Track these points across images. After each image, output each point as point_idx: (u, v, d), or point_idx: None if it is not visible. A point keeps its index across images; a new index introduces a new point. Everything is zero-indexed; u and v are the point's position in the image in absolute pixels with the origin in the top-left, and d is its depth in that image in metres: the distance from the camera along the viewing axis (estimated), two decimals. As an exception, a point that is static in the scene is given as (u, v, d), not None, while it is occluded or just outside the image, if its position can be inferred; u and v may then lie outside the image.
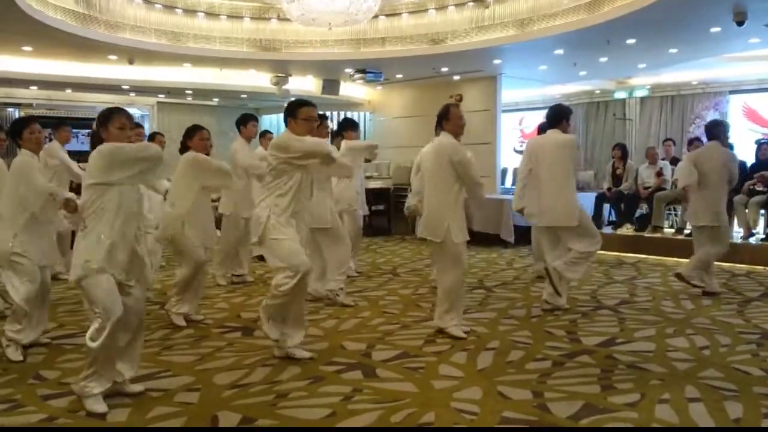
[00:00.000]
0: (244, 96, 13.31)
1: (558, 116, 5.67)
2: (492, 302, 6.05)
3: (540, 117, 16.14)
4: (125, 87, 12.20)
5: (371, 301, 6.06)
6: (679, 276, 6.37)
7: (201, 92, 12.92)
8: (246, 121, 7.14)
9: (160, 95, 13.67)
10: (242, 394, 3.59)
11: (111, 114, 3.44)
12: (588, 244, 5.42)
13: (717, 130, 6.41)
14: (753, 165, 8.73)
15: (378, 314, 5.53)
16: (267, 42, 10.73)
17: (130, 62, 10.79)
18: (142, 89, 12.66)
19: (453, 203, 4.71)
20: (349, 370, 4.01)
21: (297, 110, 4.23)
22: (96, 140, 3.48)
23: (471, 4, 9.93)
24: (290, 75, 12.09)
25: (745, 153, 9.53)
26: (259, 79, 12.20)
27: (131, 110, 14.19)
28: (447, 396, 3.54)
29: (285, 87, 12.19)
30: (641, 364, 4.09)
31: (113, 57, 10.52)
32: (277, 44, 10.75)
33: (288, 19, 9.63)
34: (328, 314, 5.53)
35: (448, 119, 4.83)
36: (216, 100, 14.05)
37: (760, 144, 9.07)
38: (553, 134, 5.62)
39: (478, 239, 9.24)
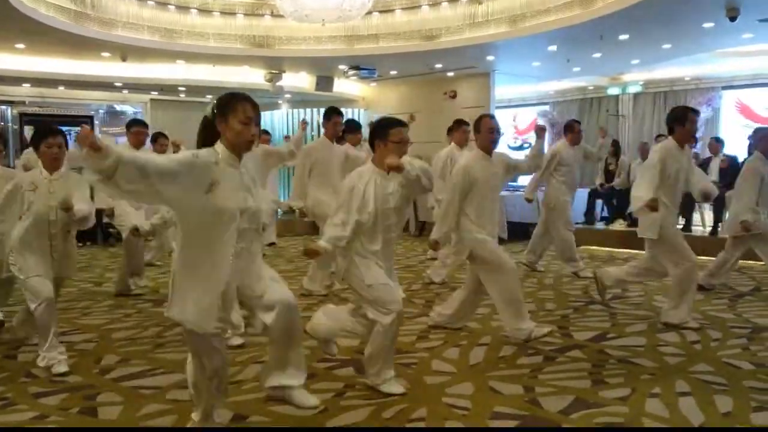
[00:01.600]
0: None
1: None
2: (485, 298, 6.05)
3: (533, 114, 16.25)
4: (118, 84, 12.18)
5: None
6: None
7: (194, 89, 12.90)
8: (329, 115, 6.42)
9: (153, 92, 13.65)
10: (234, 391, 3.58)
11: (234, 101, 2.72)
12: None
13: None
14: (745, 160, 8.74)
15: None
16: (260, 38, 10.72)
17: (123, 59, 10.77)
18: (135, 86, 12.64)
19: None
20: (341, 366, 4.02)
21: (387, 131, 3.56)
22: (207, 131, 2.79)
23: (464, 0, 9.94)
24: (284, 71, 12.09)
25: (738, 148, 9.58)
26: (253, 76, 12.19)
27: (123, 108, 14.29)
28: (439, 391, 3.55)
29: (279, 83, 12.18)
30: (632, 359, 4.12)
31: (106, 54, 10.50)
32: (270, 41, 10.75)
33: (281, 16, 9.63)
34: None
35: (478, 131, 4.61)
36: (209, 97, 14.01)
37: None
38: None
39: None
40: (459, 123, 7.24)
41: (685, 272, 4.82)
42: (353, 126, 6.78)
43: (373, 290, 3.45)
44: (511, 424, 3.14)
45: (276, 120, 14.95)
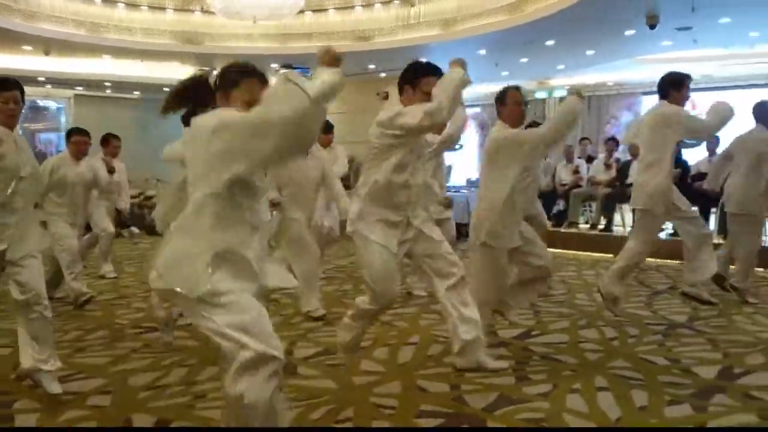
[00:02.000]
0: (167, 89, 12.89)
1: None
2: (414, 297, 6.13)
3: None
4: (41, 79, 11.75)
5: (294, 298, 6.03)
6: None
7: (121, 85, 12.56)
8: None
9: (77, 87, 13.21)
10: (158, 396, 3.52)
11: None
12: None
13: None
14: (663, 164, 9.14)
15: (301, 311, 5.51)
16: (190, 34, 10.53)
17: (46, 53, 10.40)
18: (59, 81, 12.21)
19: None
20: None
21: (418, 78, 3.56)
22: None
23: (397, 2, 10.03)
24: (215, 68, 11.80)
25: (657, 152, 9.96)
26: (183, 72, 11.88)
27: (46, 103, 13.76)
28: (367, 391, 3.57)
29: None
30: (554, 356, 4.24)
31: (28, 47, 10.11)
32: (200, 37, 10.57)
33: (212, 12, 9.48)
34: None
35: (504, 104, 4.29)
36: (137, 93, 13.67)
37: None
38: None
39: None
40: None
41: None
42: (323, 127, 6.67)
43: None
44: (436, 422, 3.19)
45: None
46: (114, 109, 13.16)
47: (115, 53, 10.70)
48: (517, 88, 4.36)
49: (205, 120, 2.19)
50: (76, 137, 5.84)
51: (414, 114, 3.36)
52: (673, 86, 4.83)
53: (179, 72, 11.87)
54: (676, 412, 3.26)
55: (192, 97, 2.44)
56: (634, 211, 5.83)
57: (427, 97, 3.36)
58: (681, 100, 4.82)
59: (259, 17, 8.57)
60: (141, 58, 11.12)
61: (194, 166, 2.25)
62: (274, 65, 11.65)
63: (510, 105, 4.26)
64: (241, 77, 2.35)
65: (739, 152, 5.84)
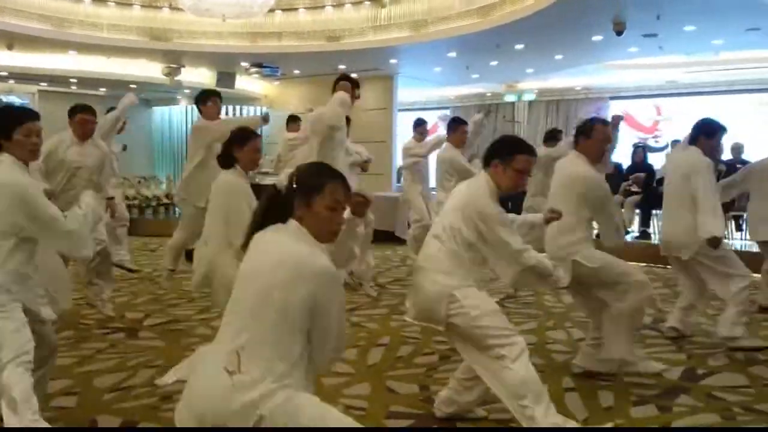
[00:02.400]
0: (134, 86, 12.79)
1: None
2: (385, 298, 6.13)
3: (435, 117, 16.56)
4: (4, 74, 11.49)
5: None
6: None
7: (87, 81, 12.32)
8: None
9: (42, 83, 12.94)
10: (124, 397, 3.47)
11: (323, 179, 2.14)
12: None
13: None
14: (629, 167, 9.31)
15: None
16: (158, 31, 10.39)
17: (9, 47, 10.16)
18: (22, 76, 11.95)
19: None
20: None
21: (513, 156, 2.99)
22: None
23: (367, 3, 10.03)
24: (183, 66, 11.77)
25: (623, 156, 10.16)
26: (150, 69, 11.79)
27: (9, 98, 13.44)
28: (336, 392, 3.56)
29: (177, 78, 11.84)
30: (523, 357, 4.27)
31: (-10, 41, 9.87)
32: (169, 34, 10.44)
33: (180, 9, 9.37)
34: (220, 313, 5.41)
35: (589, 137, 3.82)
36: (103, 89, 13.45)
37: (636, 147, 9.68)
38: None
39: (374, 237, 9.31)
40: (458, 122, 6.74)
41: None
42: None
43: None
44: (406, 423, 3.20)
45: (175, 115, 14.53)
46: (79, 105, 12.99)
47: (80, 49, 10.51)
48: (605, 123, 3.98)
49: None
50: (81, 116, 4.91)
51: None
52: (706, 134, 4.61)
53: (147, 69, 11.74)
54: (641, 413, 3.32)
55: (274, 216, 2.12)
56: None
57: (519, 175, 2.99)
58: (711, 150, 4.56)
59: (228, 15, 8.49)
60: (107, 54, 10.94)
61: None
62: (244, 64, 11.57)
63: (596, 140, 3.81)
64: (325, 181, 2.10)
65: (758, 181, 5.50)
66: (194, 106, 14.05)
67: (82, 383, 3.68)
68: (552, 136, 7.38)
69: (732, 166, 8.66)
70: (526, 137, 14.28)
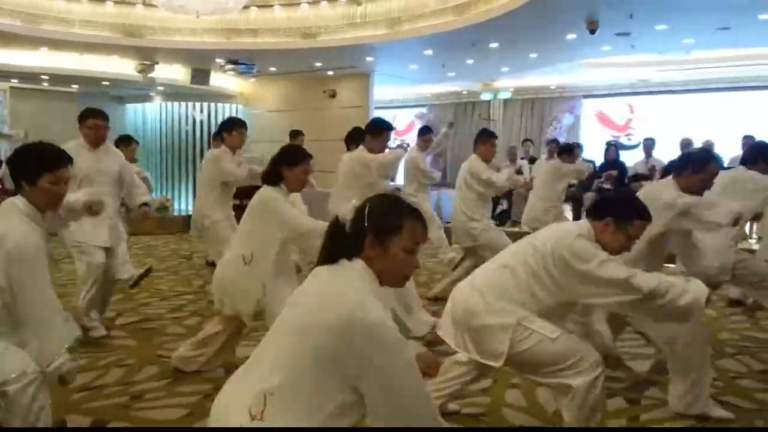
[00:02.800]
0: (107, 83, 12.66)
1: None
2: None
3: (412, 115, 16.60)
4: (-28, 70, 11.27)
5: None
6: None
7: (59, 78, 12.13)
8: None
9: (13, 80, 12.71)
10: (95, 396, 3.43)
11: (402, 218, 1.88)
12: None
13: None
14: (602, 165, 9.41)
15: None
16: (131, 27, 10.27)
17: (-22, 43, 9.98)
18: (-8, 73, 11.74)
19: None
20: (210, 368, 3.93)
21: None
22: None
23: (343, 0, 10.01)
24: (157, 63, 11.64)
25: (596, 154, 10.27)
26: (123, 66, 11.64)
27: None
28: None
29: (151, 75, 11.72)
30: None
31: (-41, 37, 9.69)
32: (142, 30, 10.32)
33: (154, 5, 9.27)
34: (192, 311, 5.39)
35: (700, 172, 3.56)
36: (75, 86, 13.26)
37: (608, 145, 9.78)
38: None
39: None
40: (488, 135, 6.17)
41: None
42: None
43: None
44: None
45: (149, 113, 14.38)
46: (51, 102, 12.74)
47: (52, 45, 10.35)
48: (717, 160, 3.82)
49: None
50: (93, 120, 4.55)
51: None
52: (764, 158, 4.53)
53: (120, 66, 11.60)
54: (610, 405, 3.35)
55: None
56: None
57: (630, 242, 2.81)
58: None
59: (202, 12, 8.41)
60: (80, 50, 10.78)
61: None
62: (219, 61, 11.47)
63: (706, 177, 3.58)
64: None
65: None
66: (169, 103, 13.99)
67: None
68: (569, 150, 7.47)
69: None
70: (502, 135, 14.46)
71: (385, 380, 1.68)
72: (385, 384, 1.69)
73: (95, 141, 4.55)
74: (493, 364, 2.77)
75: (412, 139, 16.47)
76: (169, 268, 7.46)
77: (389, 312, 1.76)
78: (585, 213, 2.92)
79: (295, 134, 8.75)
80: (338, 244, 1.85)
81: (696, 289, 2.61)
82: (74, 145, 4.33)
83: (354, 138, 5.98)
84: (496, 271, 2.89)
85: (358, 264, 1.82)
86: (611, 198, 3.06)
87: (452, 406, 3.26)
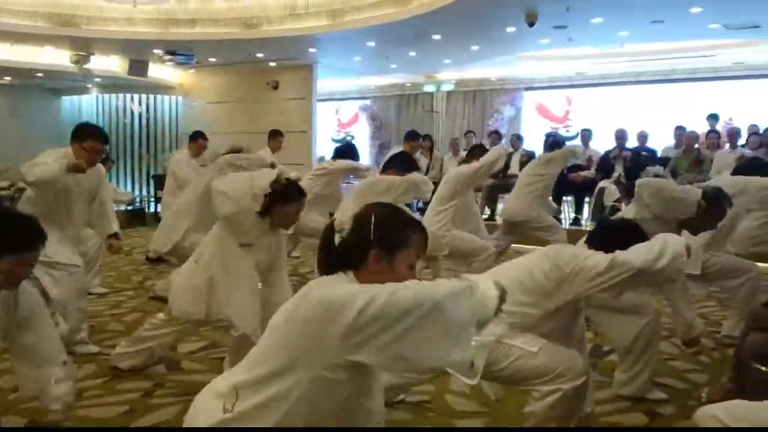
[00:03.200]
0: (41, 75, 12.24)
1: None
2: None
3: (355, 107, 16.59)
4: None
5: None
6: None
7: (-12, 69, 11.68)
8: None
9: (-60, 72, 12.18)
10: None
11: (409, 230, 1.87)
12: None
13: None
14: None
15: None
16: (66, 17, 9.93)
17: None
18: None
19: None
20: (151, 364, 3.86)
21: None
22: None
23: (285, -10, 9.92)
24: (92, 53, 11.29)
25: (536, 145, 10.48)
26: (58, 57, 11.26)
27: None
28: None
29: (86, 66, 11.37)
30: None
31: None
32: (77, 20, 9.99)
33: (88, -6, 9.00)
34: (132, 308, 5.29)
35: None
36: (7, 78, 12.78)
37: (548, 137, 9.98)
38: None
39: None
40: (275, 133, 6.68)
41: None
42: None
43: None
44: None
45: (85, 105, 13.97)
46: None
47: (-20, 35, 9.97)
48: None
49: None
50: (92, 144, 3.99)
51: None
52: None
53: (54, 57, 11.21)
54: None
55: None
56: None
57: None
58: None
59: (139, 0, 8.23)
60: (11, 41, 10.38)
61: None
62: (157, 51, 11.21)
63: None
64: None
65: None
66: (106, 95, 13.60)
67: (-16, 384, 3.52)
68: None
69: (638, 154, 9.11)
70: (444, 127, 14.57)
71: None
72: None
73: (88, 164, 3.90)
74: (468, 381, 2.70)
75: (356, 131, 16.56)
76: (108, 263, 7.27)
77: None
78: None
79: (275, 134, 8.32)
80: (335, 256, 1.76)
81: (672, 242, 2.53)
82: (60, 155, 3.85)
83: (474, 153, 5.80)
84: None
85: (348, 278, 1.74)
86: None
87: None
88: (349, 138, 16.42)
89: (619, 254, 2.50)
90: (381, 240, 1.73)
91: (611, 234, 2.77)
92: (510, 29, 9.19)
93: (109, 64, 11.93)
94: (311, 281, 1.78)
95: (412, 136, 6.71)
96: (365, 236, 1.73)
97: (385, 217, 1.79)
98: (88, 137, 4.01)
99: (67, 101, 14.06)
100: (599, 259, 2.53)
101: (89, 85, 13.53)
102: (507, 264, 2.90)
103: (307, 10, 9.87)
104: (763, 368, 2.14)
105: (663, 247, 2.48)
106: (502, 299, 1.59)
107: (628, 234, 2.69)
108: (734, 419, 1.87)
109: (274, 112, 12.22)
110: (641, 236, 2.66)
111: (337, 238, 1.76)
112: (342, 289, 1.64)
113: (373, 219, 1.75)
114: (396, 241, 1.75)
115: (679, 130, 9.24)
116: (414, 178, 4.67)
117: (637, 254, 2.48)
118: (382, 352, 1.56)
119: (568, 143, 8.18)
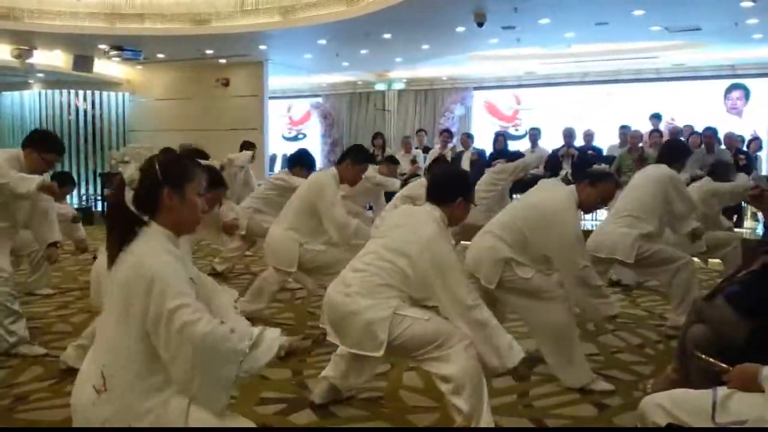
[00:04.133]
0: (-21, 70, 11.82)
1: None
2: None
3: (307, 105, 16.53)
4: None
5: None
6: None
7: None
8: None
9: None
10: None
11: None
12: None
13: None
14: (491, 154, 9.74)
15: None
16: (5, 9, 9.62)
17: None
18: None
19: None
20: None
21: None
22: None
23: (235, -14, 9.82)
24: (35, 48, 10.96)
25: (486, 144, 10.63)
26: (-2, 52, 10.91)
27: None
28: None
29: (29, 61, 11.03)
30: (393, 338, 4.40)
31: None
32: (18, 13, 9.69)
33: (30, -14, 8.74)
34: (79, 308, 5.17)
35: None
36: (-56, 75, 12.32)
37: (497, 135, 10.14)
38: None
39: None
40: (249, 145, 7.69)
41: None
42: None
43: None
44: (278, 407, 3.22)
45: (27, 101, 13.54)
46: None
47: None
48: None
49: None
50: (53, 156, 3.93)
51: None
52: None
53: (-7, 51, 10.84)
54: (501, 383, 3.52)
55: None
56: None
57: None
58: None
59: (84, -6, 8.03)
60: (-54, 33, 10.04)
61: None
62: (103, 47, 10.95)
63: None
64: None
65: None
66: (50, 91, 13.24)
67: (-77, 389, 3.40)
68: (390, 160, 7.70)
69: (584, 152, 9.33)
70: (396, 125, 14.64)
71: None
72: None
73: (38, 172, 3.82)
74: (374, 354, 2.79)
75: (308, 129, 16.49)
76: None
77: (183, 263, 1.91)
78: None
79: (248, 146, 8.18)
80: (126, 218, 1.91)
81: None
82: (11, 157, 3.77)
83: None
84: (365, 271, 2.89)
85: (152, 228, 1.92)
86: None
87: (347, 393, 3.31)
88: (301, 136, 16.36)
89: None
90: (169, 178, 1.93)
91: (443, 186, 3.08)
92: (460, 29, 9.31)
93: (52, 59, 11.60)
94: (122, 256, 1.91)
95: (390, 160, 7.64)
96: (154, 180, 1.91)
97: (168, 159, 2.05)
98: (52, 150, 3.92)
99: (8, 97, 13.62)
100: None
101: (31, 81, 13.14)
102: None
103: (257, 6, 9.79)
104: (704, 357, 2.25)
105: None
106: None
107: (456, 183, 3.11)
108: (678, 407, 1.97)
109: (225, 109, 12.09)
110: (467, 186, 3.14)
111: (127, 193, 1.90)
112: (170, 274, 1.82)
113: (157, 164, 1.94)
114: (182, 175, 1.96)
115: (624, 129, 9.51)
116: None
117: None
118: (166, 352, 1.79)
119: (517, 142, 8.32)
